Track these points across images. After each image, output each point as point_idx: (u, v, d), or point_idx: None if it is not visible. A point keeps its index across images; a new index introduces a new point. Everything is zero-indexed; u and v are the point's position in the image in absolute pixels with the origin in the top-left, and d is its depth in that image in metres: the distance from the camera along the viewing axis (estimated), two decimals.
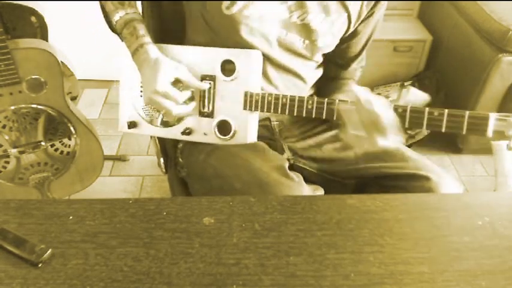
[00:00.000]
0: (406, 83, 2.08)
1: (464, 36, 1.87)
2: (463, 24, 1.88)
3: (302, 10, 0.84)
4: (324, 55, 0.97)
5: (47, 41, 1.41)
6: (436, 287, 0.55)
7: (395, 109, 0.74)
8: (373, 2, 0.87)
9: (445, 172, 0.89)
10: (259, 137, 0.94)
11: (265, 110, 0.83)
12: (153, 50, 0.84)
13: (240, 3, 0.82)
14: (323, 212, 0.66)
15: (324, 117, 0.81)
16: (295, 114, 0.82)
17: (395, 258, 0.59)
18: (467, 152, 1.97)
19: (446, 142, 1.98)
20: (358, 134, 0.78)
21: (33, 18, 1.38)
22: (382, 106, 0.75)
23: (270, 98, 0.83)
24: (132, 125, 0.96)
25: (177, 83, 0.84)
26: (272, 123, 0.98)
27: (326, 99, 0.80)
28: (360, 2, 0.86)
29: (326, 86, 1.03)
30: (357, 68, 1.02)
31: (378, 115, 0.74)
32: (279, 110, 0.82)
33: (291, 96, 0.81)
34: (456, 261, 0.59)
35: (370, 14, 0.89)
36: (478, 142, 1.91)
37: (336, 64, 1.01)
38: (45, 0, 1.50)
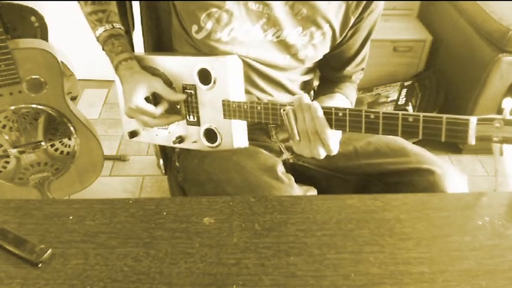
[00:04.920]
0: (406, 83, 2.08)
1: (464, 36, 1.87)
2: (463, 24, 1.88)
3: (276, 28, 0.83)
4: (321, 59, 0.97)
5: (47, 41, 1.41)
6: (437, 287, 0.55)
7: (367, 115, 0.66)
8: (361, 8, 0.84)
9: (448, 164, 0.89)
10: (255, 141, 0.93)
11: (243, 118, 0.81)
12: (130, 66, 0.85)
13: (205, 29, 0.81)
14: (323, 212, 0.66)
15: None
16: (270, 122, 0.78)
17: (396, 258, 0.59)
18: (467, 152, 1.97)
19: (446, 142, 1.99)
20: (299, 141, 0.73)
21: (33, 18, 1.38)
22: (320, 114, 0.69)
23: (245, 106, 0.80)
24: (133, 134, 0.98)
25: (156, 95, 0.85)
26: (268, 125, 0.97)
27: None
28: (343, 10, 0.84)
29: (320, 89, 1.02)
30: (355, 71, 0.99)
31: (320, 124, 0.69)
32: (255, 118, 0.79)
33: (264, 104, 0.77)
34: (457, 261, 0.59)
35: (359, 20, 0.87)
36: (479, 142, 1.91)
37: (330, 67, 0.99)
38: (45, 0, 1.50)
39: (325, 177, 0.97)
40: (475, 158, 1.97)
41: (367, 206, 0.68)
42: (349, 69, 0.97)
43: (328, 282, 0.56)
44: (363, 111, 0.67)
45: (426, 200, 0.70)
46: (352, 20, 0.85)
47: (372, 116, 0.65)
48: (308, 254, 0.59)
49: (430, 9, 2.17)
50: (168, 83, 0.86)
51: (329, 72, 1.00)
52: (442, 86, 1.99)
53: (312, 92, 1.07)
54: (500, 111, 0.56)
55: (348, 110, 0.68)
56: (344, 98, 0.95)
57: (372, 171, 0.91)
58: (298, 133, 0.72)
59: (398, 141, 0.93)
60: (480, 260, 0.59)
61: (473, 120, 0.57)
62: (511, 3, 1.78)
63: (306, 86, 0.99)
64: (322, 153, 0.73)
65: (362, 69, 1.00)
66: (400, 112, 0.63)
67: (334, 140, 0.72)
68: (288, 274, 0.57)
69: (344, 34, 0.88)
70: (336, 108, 0.69)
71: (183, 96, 0.85)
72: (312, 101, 0.73)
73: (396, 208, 0.67)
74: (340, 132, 0.73)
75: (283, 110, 0.73)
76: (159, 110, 0.84)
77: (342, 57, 0.95)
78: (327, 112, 0.70)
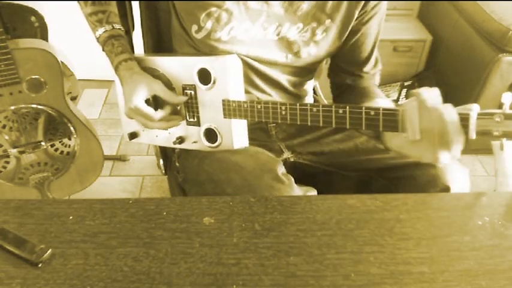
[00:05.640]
0: (406, 83, 2.08)
1: (464, 36, 1.87)
2: (463, 24, 1.88)
3: (276, 24, 0.83)
4: (333, 65, 0.96)
5: (47, 41, 1.41)
6: (437, 287, 0.55)
7: (368, 112, 0.64)
8: (363, 2, 0.83)
9: None
10: (256, 140, 0.93)
11: (243, 117, 0.81)
12: (130, 66, 0.85)
13: (205, 29, 0.82)
14: (323, 212, 0.66)
15: (298, 122, 0.75)
16: (270, 120, 0.78)
17: (396, 258, 0.59)
18: (467, 152, 1.96)
19: None
20: (416, 144, 0.66)
21: (33, 18, 1.38)
22: (450, 113, 0.61)
23: (246, 105, 0.80)
24: (132, 135, 0.98)
25: (156, 98, 0.85)
26: (268, 125, 0.97)
27: (298, 104, 0.74)
28: (345, 4, 0.83)
29: (348, 96, 0.97)
30: (374, 73, 0.96)
31: (446, 124, 0.61)
32: (256, 116, 0.79)
33: (264, 103, 0.78)
34: (456, 261, 0.59)
35: (363, 13, 0.85)
36: (478, 142, 1.91)
37: (348, 73, 0.96)
38: (45, 0, 1.50)
39: (326, 174, 0.97)
40: (475, 158, 1.97)
41: (367, 206, 0.68)
42: (368, 69, 0.94)
43: (328, 282, 0.56)
44: (363, 108, 0.67)
45: (426, 200, 0.70)
46: (356, 13, 0.84)
47: (372, 113, 0.65)
48: (308, 254, 0.59)
49: (430, 9, 2.17)
50: (168, 83, 0.86)
51: (350, 78, 0.96)
52: (442, 86, 1.99)
53: (311, 93, 1.07)
54: (501, 102, 0.57)
55: (348, 106, 0.68)
56: (383, 100, 0.90)
57: (373, 167, 0.91)
58: (421, 132, 0.64)
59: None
60: (480, 260, 0.59)
61: (473, 114, 0.57)
62: (511, 3, 1.78)
63: (304, 87, 0.99)
64: (444, 158, 0.64)
65: (379, 69, 0.97)
66: (401, 108, 0.63)
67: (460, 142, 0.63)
68: (288, 274, 0.57)
69: (349, 29, 0.87)
70: (336, 106, 0.69)
71: (184, 99, 0.85)
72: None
73: (396, 208, 0.67)
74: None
75: (409, 105, 0.64)
76: (158, 114, 0.84)
77: (356, 56, 0.92)
78: (327, 110, 0.70)
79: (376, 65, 0.96)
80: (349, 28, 0.87)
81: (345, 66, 0.96)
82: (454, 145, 0.61)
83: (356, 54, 0.93)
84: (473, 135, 0.58)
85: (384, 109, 0.66)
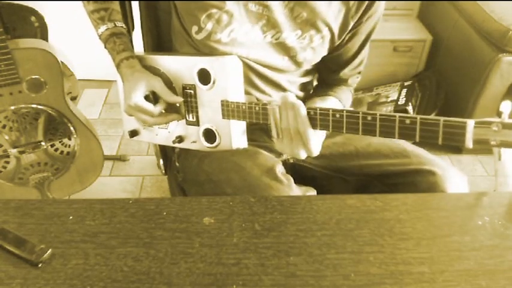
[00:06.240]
0: (406, 83, 2.09)
1: (464, 36, 1.87)
2: (463, 24, 1.88)
3: (275, 30, 0.83)
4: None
5: (47, 41, 1.41)
6: (437, 287, 0.55)
7: (364, 117, 0.65)
8: (360, 12, 0.84)
9: (448, 164, 0.89)
10: (255, 141, 0.93)
11: (241, 119, 0.81)
12: (132, 64, 0.85)
13: (205, 30, 0.82)
14: (323, 212, 0.66)
15: None
16: (268, 122, 0.77)
17: (396, 258, 0.59)
18: (467, 152, 1.97)
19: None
20: (281, 140, 0.74)
21: (33, 18, 1.38)
22: (302, 112, 0.70)
23: (244, 107, 0.79)
24: (133, 133, 0.98)
25: (155, 94, 0.85)
26: (268, 125, 0.97)
27: None
28: (343, 14, 0.84)
29: (315, 91, 1.02)
30: (351, 75, 0.98)
31: (303, 124, 0.70)
32: (254, 118, 0.79)
33: (263, 104, 0.77)
34: (456, 261, 0.59)
35: (358, 24, 0.86)
36: (476, 145, 1.91)
37: (327, 69, 0.98)
38: (45, 0, 1.50)
39: (325, 177, 0.97)
40: (475, 158, 1.97)
41: (367, 206, 0.68)
42: (345, 71, 0.97)
43: (328, 282, 0.56)
44: (360, 113, 0.66)
45: (426, 200, 0.70)
46: (351, 23, 0.86)
47: (369, 118, 0.65)
48: (308, 254, 0.59)
49: (430, 9, 2.17)
50: (169, 82, 0.86)
51: (326, 74, 1.00)
52: (442, 86, 1.99)
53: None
54: (500, 111, 0.56)
55: (345, 111, 0.67)
56: (337, 101, 0.94)
57: (372, 172, 0.91)
58: (281, 131, 0.73)
59: (399, 142, 0.93)
60: (480, 260, 0.59)
61: (470, 123, 0.56)
62: (511, 3, 1.78)
63: (305, 88, 0.99)
64: (302, 154, 0.73)
65: (359, 72, 0.99)
66: (398, 114, 0.62)
67: (315, 141, 0.72)
68: (288, 274, 0.57)
69: (342, 37, 0.88)
70: (334, 110, 0.68)
71: (180, 99, 0.85)
72: (305, 101, 0.74)
73: (396, 208, 0.67)
74: (323, 133, 0.73)
75: (270, 107, 0.74)
76: (157, 109, 0.84)
77: (340, 59, 0.95)
78: (324, 113, 0.69)
79: (356, 68, 0.97)
80: (343, 36, 0.87)
81: (328, 64, 0.97)
82: (308, 142, 0.71)
83: (340, 57, 0.94)
84: (470, 144, 0.57)
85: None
